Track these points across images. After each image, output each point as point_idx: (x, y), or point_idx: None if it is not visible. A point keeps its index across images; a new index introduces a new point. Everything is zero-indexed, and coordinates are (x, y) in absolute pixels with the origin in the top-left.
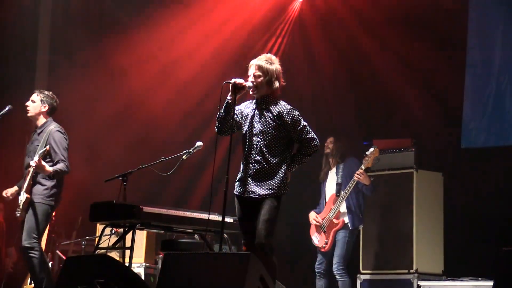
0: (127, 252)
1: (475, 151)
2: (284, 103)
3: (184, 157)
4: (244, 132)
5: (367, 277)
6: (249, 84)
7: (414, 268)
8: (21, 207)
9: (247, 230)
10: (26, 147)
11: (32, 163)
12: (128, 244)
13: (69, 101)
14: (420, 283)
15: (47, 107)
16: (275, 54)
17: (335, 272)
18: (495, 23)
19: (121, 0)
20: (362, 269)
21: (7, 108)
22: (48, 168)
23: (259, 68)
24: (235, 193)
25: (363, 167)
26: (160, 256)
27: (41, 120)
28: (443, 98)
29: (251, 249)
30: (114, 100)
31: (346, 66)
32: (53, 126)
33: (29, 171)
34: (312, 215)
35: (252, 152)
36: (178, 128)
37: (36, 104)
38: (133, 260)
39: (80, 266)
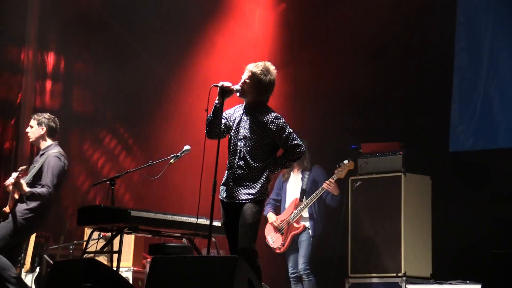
0: (115, 256)
1: (463, 155)
2: (270, 110)
3: (172, 161)
4: (229, 136)
5: (355, 280)
6: (236, 87)
7: (403, 271)
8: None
9: (230, 235)
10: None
11: (11, 179)
12: (116, 248)
13: None
14: (409, 286)
15: (45, 129)
16: None
17: (301, 273)
18: (483, 26)
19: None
20: (351, 273)
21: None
22: (25, 187)
23: (252, 75)
24: (220, 197)
25: (335, 177)
26: (148, 260)
27: (43, 144)
28: (431, 101)
29: (236, 254)
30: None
31: (335, 69)
32: (54, 151)
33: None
34: (272, 217)
35: (236, 157)
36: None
37: (34, 128)
38: (121, 264)
39: (67, 270)
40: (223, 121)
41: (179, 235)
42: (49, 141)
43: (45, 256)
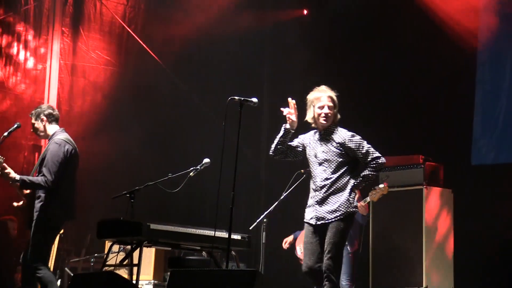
0: (135, 269)
1: (485, 168)
2: (344, 130)
3: (191, 174)
4: (310, 162)
5: None
6: (308, 119)
7: (424, 285)
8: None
9: (312, 255)
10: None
11: None
12: (135, 261)
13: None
14: None
15: (44, 119)
16: None
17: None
18: (506, 38)
19: None
20: (372, 286)
21: (15, 126)
22: (13, 174)
23: (332, 99)
24: (304, 220)
25: (368, 199)
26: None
27: (50, 132)
28: (453, 114)
29: (313, 273)
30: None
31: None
32: (57, 137)
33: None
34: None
35: (318, 180)
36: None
37: (35, 125)
38: (142, 277)
39: (86, 283)
40: (298, 144)
41: (199, 248)
42: (53, 128)
43: (66, 269)
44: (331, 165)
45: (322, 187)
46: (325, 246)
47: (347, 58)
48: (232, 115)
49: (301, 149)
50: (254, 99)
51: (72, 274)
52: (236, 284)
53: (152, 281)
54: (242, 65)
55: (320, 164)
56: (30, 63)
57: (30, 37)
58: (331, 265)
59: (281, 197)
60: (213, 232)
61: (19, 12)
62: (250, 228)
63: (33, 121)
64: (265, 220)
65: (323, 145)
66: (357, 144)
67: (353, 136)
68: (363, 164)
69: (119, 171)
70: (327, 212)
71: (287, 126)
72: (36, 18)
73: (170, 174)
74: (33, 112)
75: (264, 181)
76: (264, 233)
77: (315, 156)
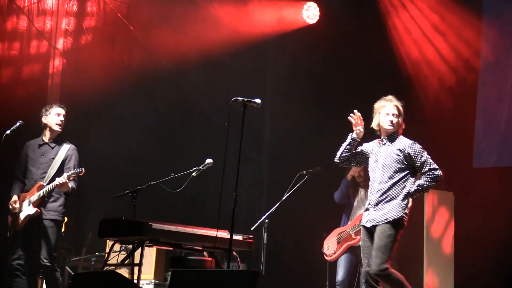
0: (136, 268)
1: (487, 171)
2: (405, 138)
3: (194, 174)
4: (369, 167)
5: None
6: (373, 125)
7: (424, 286)
8: (22, 218)
9: (367, 258)
10: (30, 157)
11: (61, 180)
12: (137, 260)
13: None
14: None
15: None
16: None
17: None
18: (509, 41)
19: None
20: None
21: (18, 124)
22: (70, 185)
23: (397, 108)
24: (362, 223)
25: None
26: (170, 273)
27: (54, 133)
28: (455, 117)
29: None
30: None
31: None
32: (69, 144)
33: (40, 184)
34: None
35: (375, 184)
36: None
37: (63, 120)
38: (143, 277)
39: (87, 282)
40: (362, 151)
41: (200, 248)
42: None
43: (67, 267)
44: (389, 170)
45: (378, 191)
46: (372, 251)
47: (351, 58)
48: (235, 115)
49: (365, 156)
50: (258, 100)
51: (72, 273)
52: (238, 285)
53: (153, 281)
54: (246, 66)
55: (379, 168)
56: (33, 61)
57: (33, 35)
58: (377, 271)
59: (283, 198)
60: (215, 233)
61: (22, 9)
62: (252, 228)
63: (64, 113)
64: (266, 221)
65: (385, 151)
66: (416, 153)
67: (413, 144)
68: (419, 173)
69: (121, 170)
70: (378, 215)
71: (354, 135)
72: (39, 16)
73: (172, 174)
74: (64, 107)
75: (266, 181)
76: (265, 233)
77: (376, 162)
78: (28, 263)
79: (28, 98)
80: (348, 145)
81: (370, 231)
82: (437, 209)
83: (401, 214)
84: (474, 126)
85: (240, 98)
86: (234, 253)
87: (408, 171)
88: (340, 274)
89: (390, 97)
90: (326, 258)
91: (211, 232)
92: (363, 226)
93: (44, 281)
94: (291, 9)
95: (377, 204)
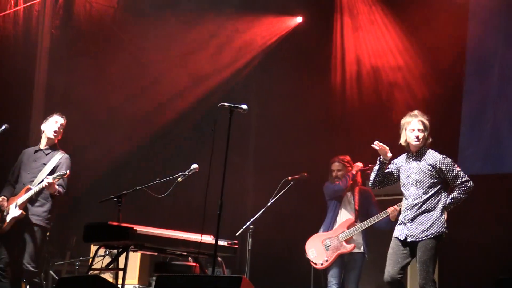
0: (121, 273)
1: (472, 178)
2: (435, 152)
3: (179, 179)
4: (402, 183)
5: None
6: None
7: None
8: (7, 221)
9: (395, 264)
10: (23, 162)
11: (48, 181)
12: (121, 265)
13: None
14: None
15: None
16: None
17: None
18: (493, 51)
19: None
20: None
21: (3, 127)
22: (56, 187)
23: (423, 123)
24: (394, 236)
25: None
26: (154, 278)
27: (50, 141)
28: (440, 124)
29: (394, 282)
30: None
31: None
32: (63, 153)
33: (28, 187)
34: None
35: (410, 199)
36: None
37: (62, 128)
38: (127, 281)
39: (72, 286)
40: (392, 169)
41: (185, 253)
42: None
43: (50, 272)
44: (422, 185)
45: (413, 206)
46: (417, 265)
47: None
48: (221, 121)
49: (395, 174)
50: (244, 106)
51: (56, 277)
52: None
53: (137, 286)
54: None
55: (412, 184)
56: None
57: (20, 38)
58: (424, 283)
59: (268, 204)
60: (200, 238)
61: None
62: (237, 234)
63: (64, 123)
64: (251, 226)
65: (416, 166)
66: (448, 167)
67: (444, 158)
68: (452, 186)
69: (106, 175)
70: (419, 231)
71: (382, 158)
72: (26, 19)
73: (158, 179)
74: (64, 117)
75: (251, 187)
76: (250, 239)
77: (408, 177)
78: (11, 267)
79: (12, 101)
80: (378, 169)
81: (404, 242)
82: None
83: (442, 229)
84: (459, 134)
85: (226, 104)
86: (219, 258)
87: (441, 185)
88: (333, 282)
89: (415, 112)
90: (316, 266)
91: (196, 237)
92: (396, 238)
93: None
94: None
95: (413, 219)
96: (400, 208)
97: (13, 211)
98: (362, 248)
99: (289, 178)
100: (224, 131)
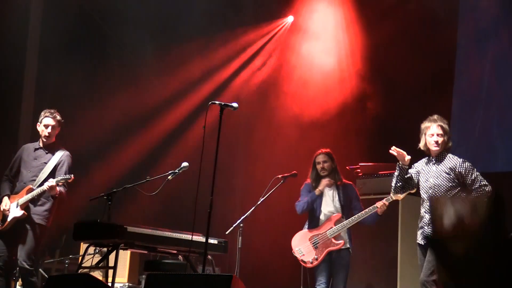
0: (110, 271)
1: None
2: (454, 156)
3: (169, 177)
4: (421, 187)
5: None
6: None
7: None
8: (8, 220)
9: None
10: (23, 159)
11: (50, 184)
12: (111, 263)
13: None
14: None
15: (59, 128)
16: None
17: None
18: (483, 50)
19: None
20: None
21: None
22: (58, 188)
23: (442, 128)
24: (417, 241)
25: (391, 198)
26: (144, 276)
27: (51, 140)
28: None
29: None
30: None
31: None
32: (64, 151)
33: (30, 188)
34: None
35: (428, 203)
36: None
37: (55, 129)
38: (117, 280)
39: (62, 285)
40: (412, 174)
41: (175, 251)
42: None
43: (40, 270)
44: (440, 189)
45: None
46: (424, 262)
47: None
48: (211, 120)
49: (415, 178)
50: (235, 104)
51: (46, 275)
52: None
53: (127, 284)
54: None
55: (430, 188)
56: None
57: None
58: (425, 281)
59: (258, 202)
60: (190, 236)
61: None
62: (227, 232)
63: (55, 124)
64: (241, 225)
65: (435, 170)
66: (467, 171)
67: (463, 162)
68: (469, 190)
69: (96, 173)
70: (432, 232)
71: (401, 164)
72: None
73: (148, 177)
74: (57, 116)
75: (240, 186)
76: (240, 237)
77: (427, 181)
78: (6, 264)
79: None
80: (398, 175)
81: (425, 248)
82: (411, 214)
83: None
84: None
85: (217, 102)
86: (209, 257)
87: (459, 188)
88: (322, 280)
89: (435, 117)
90: (305, 265)
91: (186, 236)
92: (419, 244)
93: (17, 283)
94: None
95: (430, 222)
96: (389, 203)
97: (15, 211)
98: (347, 244)
99: (280, 176)
100: (214, 129)
